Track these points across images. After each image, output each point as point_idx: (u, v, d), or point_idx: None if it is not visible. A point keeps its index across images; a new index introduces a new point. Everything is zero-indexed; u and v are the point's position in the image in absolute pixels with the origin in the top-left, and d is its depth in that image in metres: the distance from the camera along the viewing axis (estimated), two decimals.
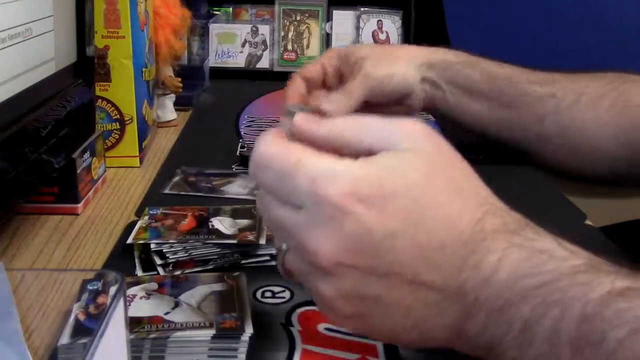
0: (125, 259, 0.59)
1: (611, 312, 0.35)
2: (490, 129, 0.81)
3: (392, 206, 0.38)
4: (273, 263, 0.58)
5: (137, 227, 0.63)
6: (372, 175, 0.39)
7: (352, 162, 0.39)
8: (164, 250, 0.58)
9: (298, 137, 0.42)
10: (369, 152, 0.40)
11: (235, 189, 0.76)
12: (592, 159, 0.75)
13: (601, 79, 0.76)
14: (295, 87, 0.78)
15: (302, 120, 0.43)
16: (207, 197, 0.74)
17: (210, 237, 0.60)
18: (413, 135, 0.41)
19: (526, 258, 0.38)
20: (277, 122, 1.01)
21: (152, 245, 0.59)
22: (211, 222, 0.63)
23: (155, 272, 0.57)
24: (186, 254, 0.58)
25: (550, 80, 0.78)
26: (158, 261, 0.58)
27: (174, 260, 0.58)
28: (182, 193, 0.75)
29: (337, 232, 0.38)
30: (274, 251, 0.58)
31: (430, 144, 0.41)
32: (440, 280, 0.39)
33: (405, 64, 0.81)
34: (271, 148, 0.41)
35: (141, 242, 0.60)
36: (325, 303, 0.40)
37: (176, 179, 0.79)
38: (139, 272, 0.57)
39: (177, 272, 0.57)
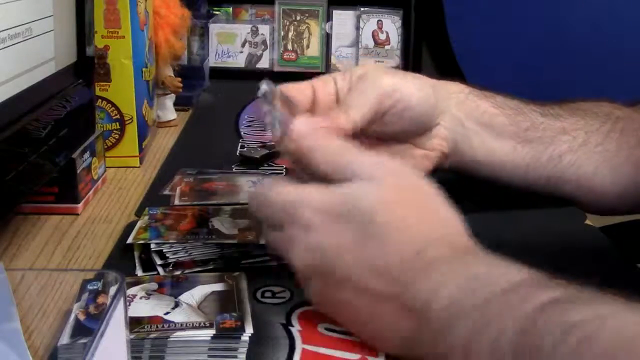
0: (125, 259, 0.59)
1: (542, 321, 0.37)
2: (517, 173, 0.66)
3: (343, 228, 0.46)
4: (273, 263, 0.58)
5: (137, 227, 0.63)
6: (329, 201, 0.46)
7: (314, 190, 0.47)
8: (164, 250, 0.58)
9: (292, 140, 0.49)
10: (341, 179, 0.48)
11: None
12: (610, 199, 0.67)
13: (595, 117, 0.68)
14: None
15: (302, 125, 0.50)
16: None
17: (210, 237, 0.60)
18: (375, 169, 0.47)
19: (462, 284, 0.42)
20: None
21: (152, 245, 0.59)
22: (211, 222, 0.63)
23: (155, 272, 0.57)
24: (186, 254, 0.58)
25: (554, 113, 0.67)
26: (158, 261, 0.58)
27: (174, 260, 0.58)
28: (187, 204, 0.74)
29: (301, 249, 0.47)
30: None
31: (390, 177, 0.47)
32: (388, 292, 0.44)
33: (418, 80, 0.65)
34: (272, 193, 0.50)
35: (141, 242, 0.60)
36: (312, 300, 0.50)
37: (177, 181, 0.79)
38: (139, 272, 0.57)
39: (177, 272, 0.57)
